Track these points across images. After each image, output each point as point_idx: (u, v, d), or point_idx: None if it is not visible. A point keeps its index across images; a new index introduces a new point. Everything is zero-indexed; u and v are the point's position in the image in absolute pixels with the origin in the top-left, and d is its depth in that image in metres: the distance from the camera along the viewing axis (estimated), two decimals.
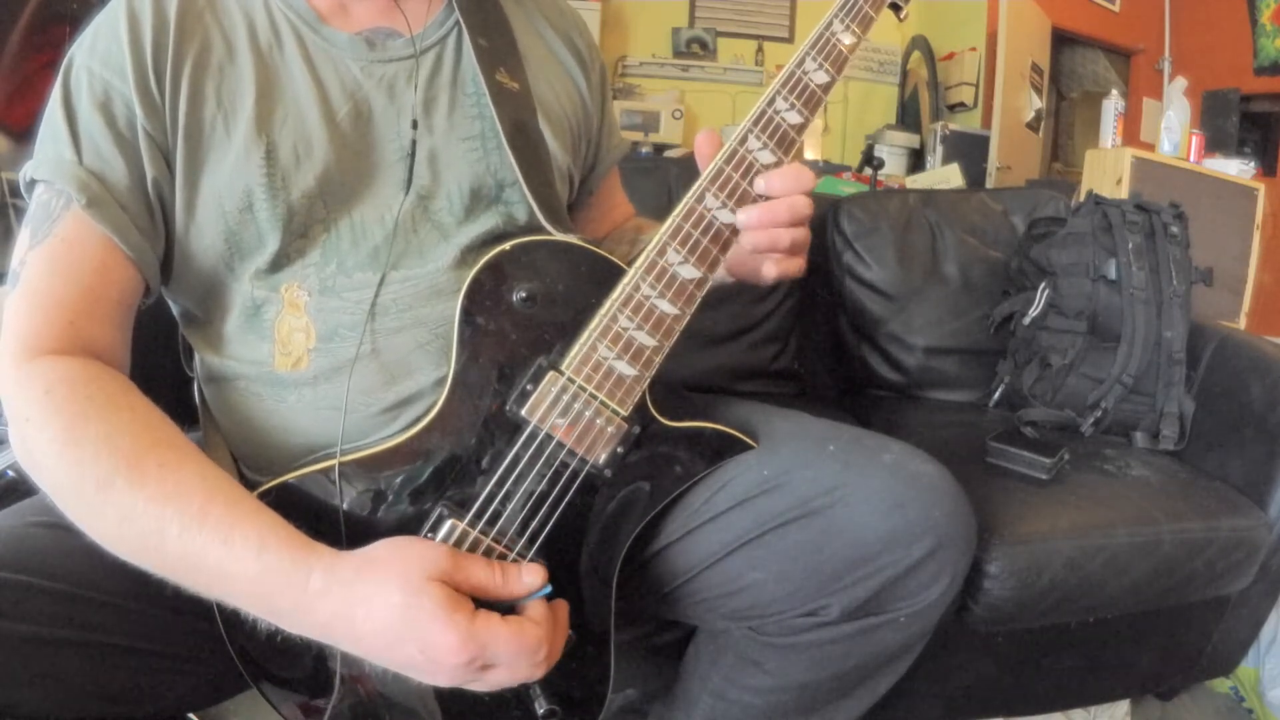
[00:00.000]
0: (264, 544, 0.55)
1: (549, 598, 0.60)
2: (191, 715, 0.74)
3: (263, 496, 0.62)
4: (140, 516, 0.55)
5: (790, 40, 4.24)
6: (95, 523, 0.57)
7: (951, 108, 3.95)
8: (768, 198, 0.68)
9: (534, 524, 0.64)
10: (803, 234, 0.70)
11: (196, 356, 0.74)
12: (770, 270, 0.71)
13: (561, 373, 0.64)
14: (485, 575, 0.57)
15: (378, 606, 0.53)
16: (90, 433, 0.57)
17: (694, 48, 4.19)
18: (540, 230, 0.72)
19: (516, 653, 0.55)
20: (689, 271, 0.67)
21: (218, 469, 0.59)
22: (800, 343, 1.59)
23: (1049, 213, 1.58)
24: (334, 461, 0.63)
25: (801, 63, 0.71)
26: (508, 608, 0.59)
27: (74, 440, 0.57)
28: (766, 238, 0.68)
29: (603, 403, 0.65)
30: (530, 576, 0.59)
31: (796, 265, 0.72)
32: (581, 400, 0.64)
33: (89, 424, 0.57)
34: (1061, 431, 1.33)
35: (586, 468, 0.65)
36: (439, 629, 0.53)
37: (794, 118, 0.70)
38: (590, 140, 0.88)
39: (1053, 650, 1.16)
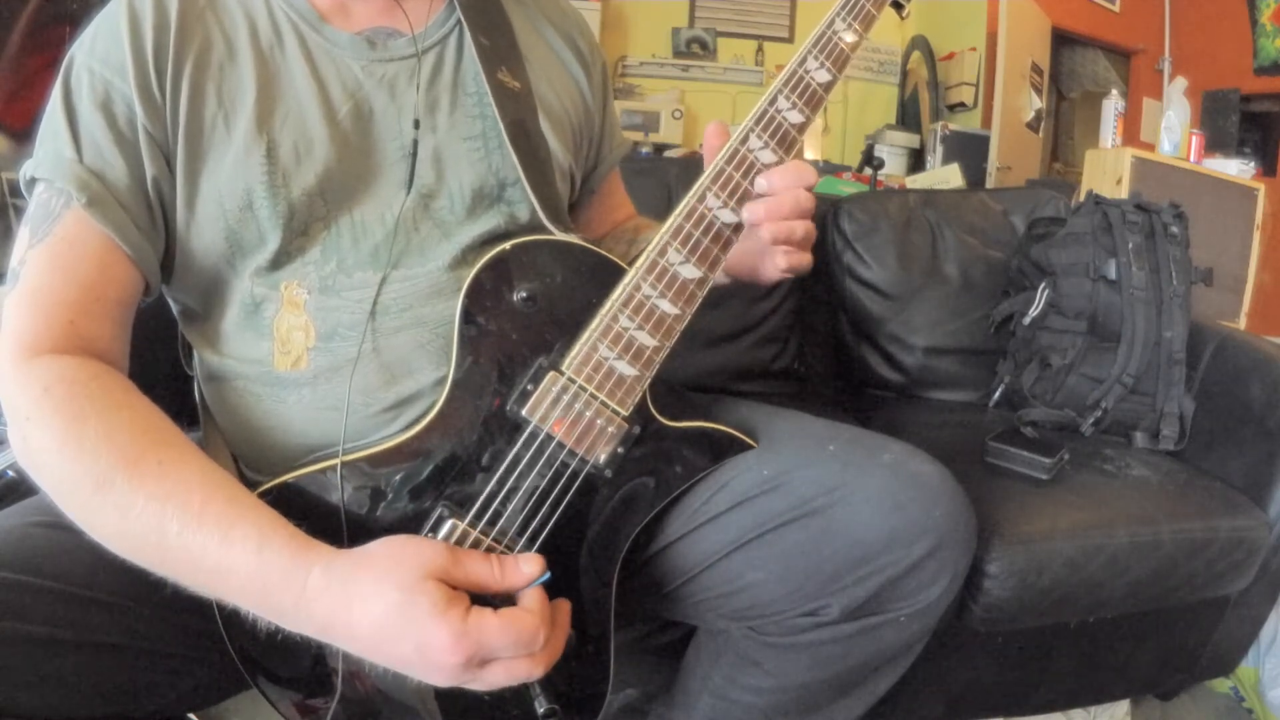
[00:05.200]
0: (263, 542, 0.55)
1: (549, 588, 0.60)
2: (191, 715, 0.74)
3: (263, 496, 0.62)
4: (140, 514, 0.55)
5: (790, 40, 4.24)
6: (95, 521, 0.57)
7: (951, 108, 3.96)
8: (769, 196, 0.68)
9: (534, 524, 0.64)
10: (811, 227, 0.70)
11: (196, 355, 0.74)
12: (781, 262, 0.71)
13: (562, 372, 0.64)
14: (484, 569, 0.57)
15: (374, 605, 0.53)
16: (89, 431, 0.57)
17: (694, 48, 4.19)
18: (541, 230, 0.72)
19: (513, 643, 0.54)
20: (690, 271, 0.67)
21: (217, 467, 0.59)
22: (800, 343, 1.59)
23: (1049, 213, 1.58)
24: (335, 461, 0.63)
25: (803, 61, 0.71)
26: (508, 601, 0.58)
27: (73, 439, 0.57)
28: (784, 229, 0.68)
29: (603, 403, 0.65)
30: (528, 566, 0.59)
31: (806, 260, 0.71)
32: (582, 400, 0.64)
33: (88, 422, 0.57)
34: (1061, 431, 1.33)
35: (587, 467, 0.65)
36: (434, 627, 0.52)
37: (795, 117, 0.70)
38: (592, 139, 0.88)
39: (1053, 650, 1.16)
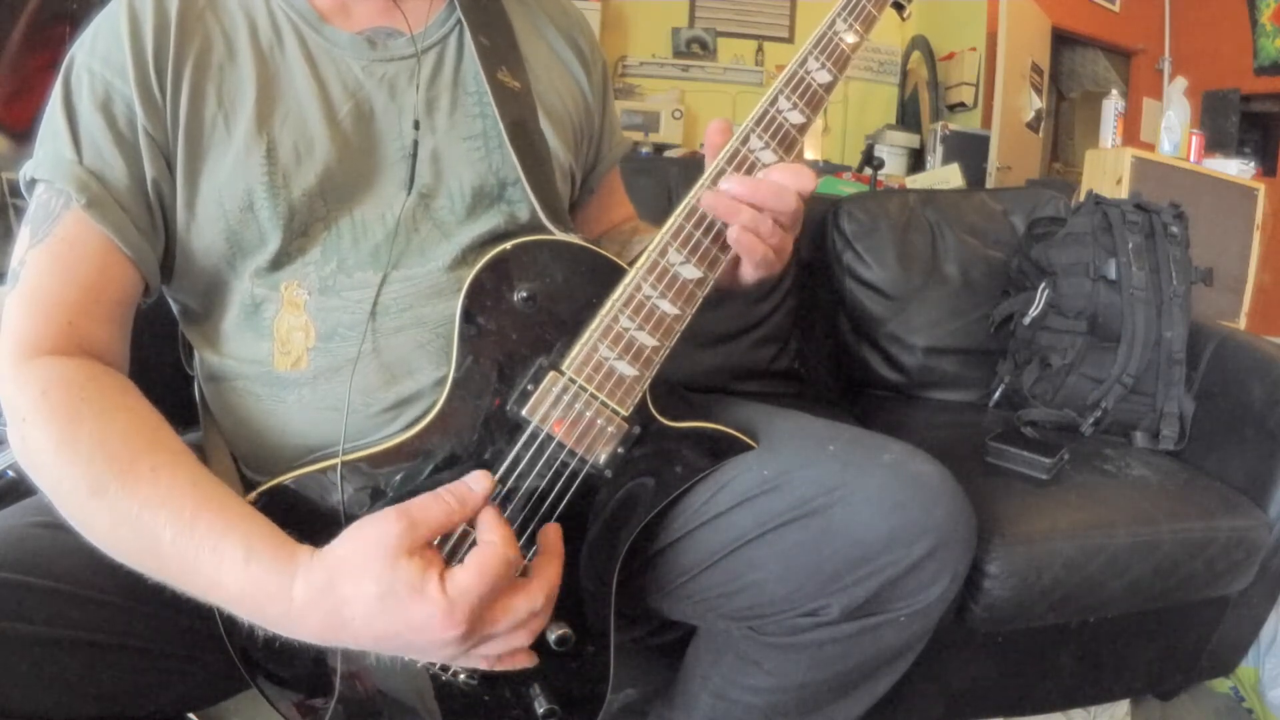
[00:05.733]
0: (250, 554, 0.54)
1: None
2: (191, 715, 0.74)
3: (262, 496, 0.62)
4: (133, 521, 0.55)
5: (790, 40, 4.24)
6: (90, 525, 0.57)
7: (951, 108, 3.96)
8: None
9: (534, 524, 0.64)
10: (768, 226, 0.66)
11: (196, 355, 0.74)
12: (732, 234, 0.66)
13: (562, 373, 0.64)
14: (440, 511, 0.56)
15: (358, 606, 0.53)
16: (84, 435, 0.57)
17: (694, 48, 4.19)
18: (542, 230, 0.72)
19: (492, 580, 0.53)
20: (690, 271, 0.67)
21: (210, 474, 0.59)
22: (800, 343, 1.59)
23: (1049, 213, 1.58)
24: (335, 461, 0.63)
25: (804, 62, 0.71)
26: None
27: (68, 442, 0.57)
28: (726, 206, 0.65)
29: (603, 403, 0.65)
30: (478, 484, 0.58)
31: (761, 252, 0.67)
32: (582, 400, 0.64)
33: (83, 426, 0.57)
34: (1061, 431, 1.33)
35: (586, 467, 0.65)
36: (419, 608, 0.52)
37: (796, 117, 0.70)
38: (592, 138, 0.88)
39: (1053, 650, 1.16)
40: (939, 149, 3.46)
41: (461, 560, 0.55)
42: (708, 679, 0.80)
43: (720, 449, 0.71)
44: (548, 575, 0.59)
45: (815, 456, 0.69)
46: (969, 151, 3.39)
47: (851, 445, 0.70)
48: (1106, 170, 2.41)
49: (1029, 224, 1.55)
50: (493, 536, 0.56)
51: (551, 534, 0.62)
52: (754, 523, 0.68)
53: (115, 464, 0.56)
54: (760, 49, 4.22)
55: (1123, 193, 2.28)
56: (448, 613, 0.52)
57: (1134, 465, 1.19)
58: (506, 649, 0.57)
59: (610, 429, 0.65)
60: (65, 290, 0.62)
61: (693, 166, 1.53)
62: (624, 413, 0.65)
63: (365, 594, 0.52)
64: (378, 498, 0.64)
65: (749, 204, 0.65)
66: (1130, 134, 3.27)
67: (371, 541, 0.54)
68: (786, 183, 0.66)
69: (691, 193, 0.67)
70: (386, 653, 0.55)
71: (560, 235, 0.70)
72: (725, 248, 0.68)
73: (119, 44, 0.65)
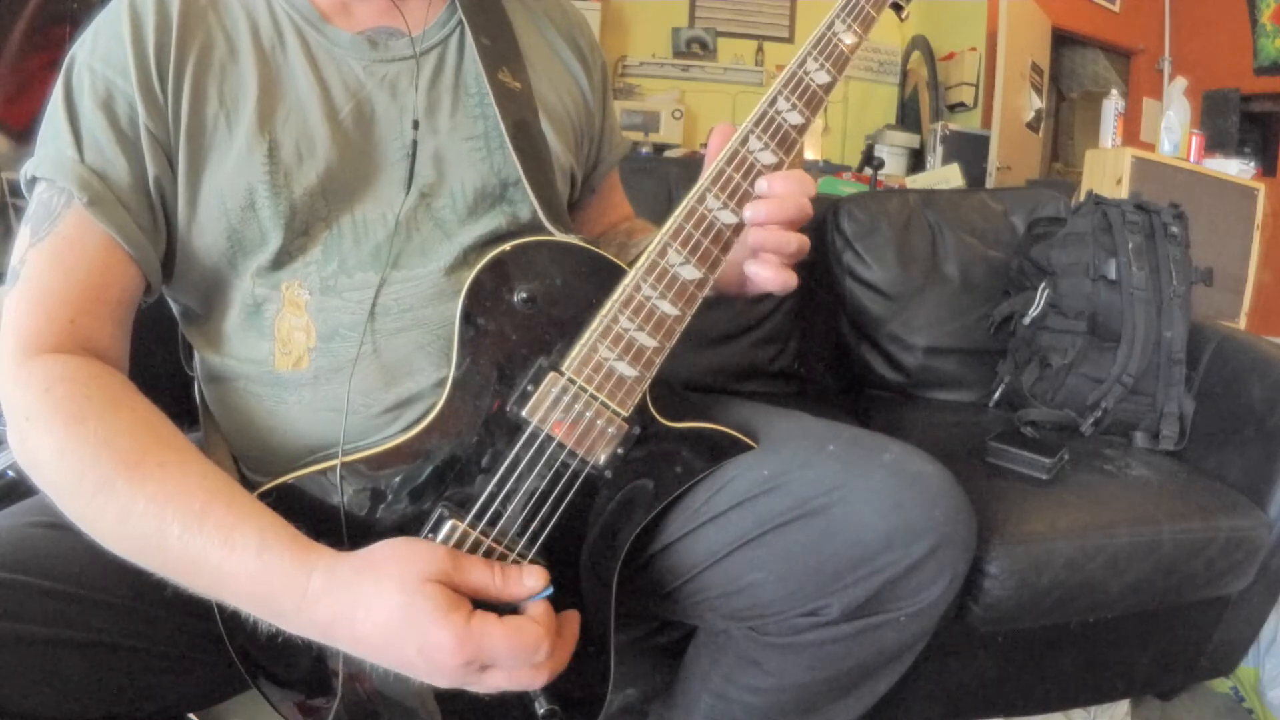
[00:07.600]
0: (264, 544, 0.55)
1: (555, 601, 0.60)
2: (191, 715, 0.74)
3: (263, 497, 0.62)
4: (140, 517, 0.55)
5: (790, 40, 4.24)
6: (95, 522, 0.57)
7: (951, 108, 3.96)
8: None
9: (534, 524, 0.64)
10: (804, 241, 0.68)
11: (197, 356, 0.74)
12: (763, 272, 0.68)
13: (562, 373, 0.64)
14: (484, 576, 0.57)
15: (377, 607, 0.53)
16: (89, 432, 0.57)
17: (694, 48, 4.19)
18: (542, 230, 0.72)
19: (514, 653, 0.55)
20: (690, 272, 0.67)
21: (218, 469, 0.59)
22: (800, 343, 1.59)
23: (1049, 213, 1.58)
24: (335, 462, 0.63)
25: (803, 63, 0.71)
26: (511, 609, 0.58)
27: (73, 439, 0.57)
28: (774, 238, 0.67)
29: (603, 403, 0.65)
30: (531, 579, 0.59)
31: (792, 280, 0.69)
32: (582, 401, 0.64)
33: (88, 423, 0.57)
34: (1061, 431, 1.33)
35: (587, 468, 0.65)
36: (435, 629, 0.52)
37: (795, 118, 0.70)
38: (592, 139, 0.88)
39: (1053, 650, 1.16)
40: (939, 149, 3.46)
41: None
42: (708, 679, 0.80)
43: (720, 449, 0.71)
44: (559, 657, 0.59)
45: (815, 456, 0.69)
46: (969, 151, 3.40)
47: (851, 445, 0.70)
48: (1106, 170, 2.41)
49: (1029, 224, 1.55)
50: (540, 620, 0.57)
51: (570, 622, 0.62)
52: (754, 523, 0.69)
53: (122, 460, 0.56)
54: (760, 49, 4.22)
55: (1123, 193, 2.28)
56: (460, 641, 0.53)
57: (1134, 465, 1.19)
58: (484, 691, 0.57)
59: (610, 430, 0.65)
60: (67, 288, 0.62)
61: (693, 166, 1.53)
62: (624, 413, 0.65)
63: (387, 601, 0.53)
64: (378, 499, 0.64)
65: (780, 224, 0.67)
66: (1130, 134, 3.27)
67: (412, 557, 0.55)
68: (796, 190, 0.67)
69: (691, 193, 0.67)
70: (380, 663, 0.55)
71: (560, 236, 0.70)
72: (725, 249, 0.68)
73: (120, 43, 0.65)
